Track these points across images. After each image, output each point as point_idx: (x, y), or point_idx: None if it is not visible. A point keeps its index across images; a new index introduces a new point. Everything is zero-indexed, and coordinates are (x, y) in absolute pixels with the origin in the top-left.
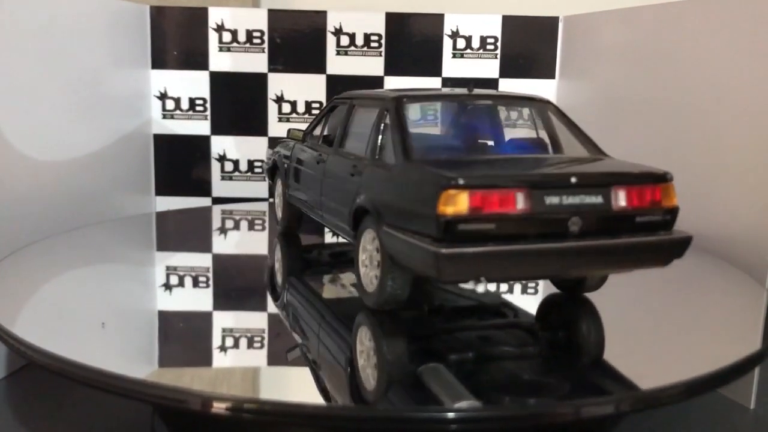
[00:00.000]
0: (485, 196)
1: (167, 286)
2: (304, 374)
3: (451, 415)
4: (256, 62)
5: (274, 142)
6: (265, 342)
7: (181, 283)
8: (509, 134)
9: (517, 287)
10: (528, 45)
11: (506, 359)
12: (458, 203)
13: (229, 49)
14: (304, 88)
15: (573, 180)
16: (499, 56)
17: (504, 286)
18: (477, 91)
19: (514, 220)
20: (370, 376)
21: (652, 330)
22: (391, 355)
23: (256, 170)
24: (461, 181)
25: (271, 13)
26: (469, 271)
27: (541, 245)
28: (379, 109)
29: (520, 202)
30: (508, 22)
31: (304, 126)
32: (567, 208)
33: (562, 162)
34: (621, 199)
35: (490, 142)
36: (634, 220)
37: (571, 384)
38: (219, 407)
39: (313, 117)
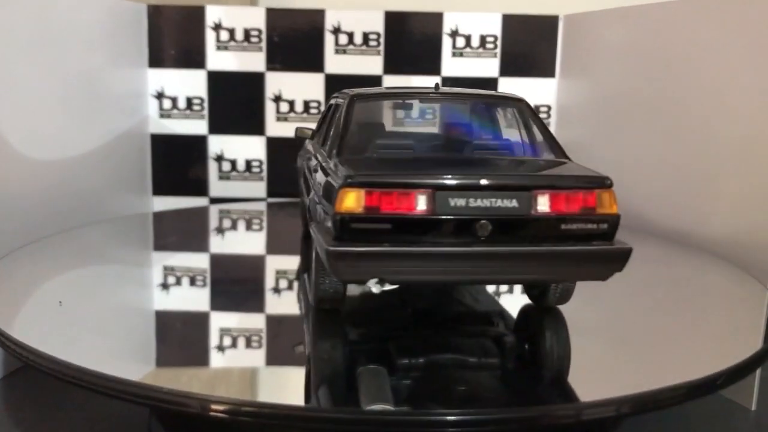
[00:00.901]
0: (383, 196)
1: (164, 287)
2: (302, 375)
3: (450, 418)
4: (253, 61)
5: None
6: (263, 342)
7: (178, 284)
8: (483, 133)
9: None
10: (528, 44)
11: (460, 368)
12: (354, 201)
13: (226, 48)
14: (302, 87)
15: (483, 182)
16: (498, 55)
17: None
18: (444, 89)
19: (414, 222)
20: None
21: (652, 331)
22: (323, 355)
23: (254, 170)
24: (358, 180)
25: (269, 11)
26: (363, 271)
27: (440, 248)
28: (340, 107)
29: (421, 203)
30: (508, 20)
31: (304, 124)
32: (474, 211)
33: (499, 164)
34: (543, 204)
35: (446, 141)
36: (560, 228)
37: (515, 397)
38: (217, 410)
39: (311, 116)
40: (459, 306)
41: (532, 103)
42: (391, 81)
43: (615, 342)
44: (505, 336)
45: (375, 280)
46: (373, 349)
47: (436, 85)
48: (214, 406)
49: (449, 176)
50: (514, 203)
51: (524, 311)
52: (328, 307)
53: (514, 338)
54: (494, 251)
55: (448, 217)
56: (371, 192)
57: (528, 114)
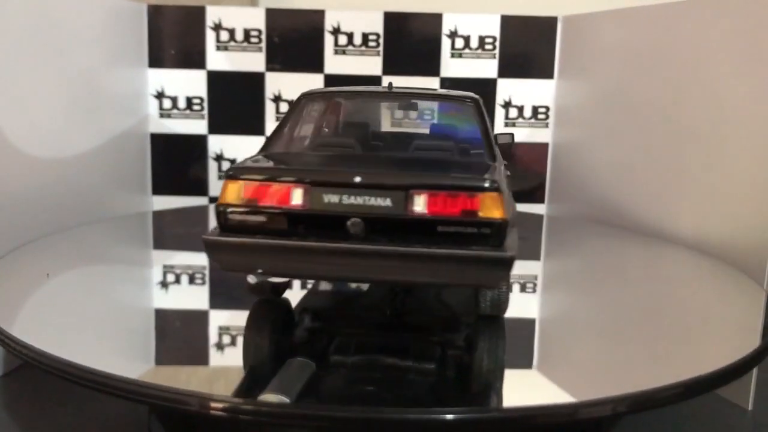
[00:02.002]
0: (260, 189)
1: (164, 285)
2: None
3: (449, 416)
4: (253, 61)
5: None
6: None
7: (177, 282)
8: (425, 132)
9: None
10: (527, 45)
11: (392, 370)
12: (234, 194)
13: (226, 48)
14: (301, 88)
15: (357, 180)
16: (497, 56)
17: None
18: (397, 89)
19: (288, 216)
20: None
21: (650, 330)
22: (252, 346)
23: None
24: (239, 173)
25: (269, 12)
26: (240, 262)
27: (310, 243)
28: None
29: (296, 198)
30: (507, 21)
31: None
32: (347, 208)
33: (401, 163)
34: (419, 204)
35: (387, 141)
36: (437, 230)
37: (429, 403)
38: (216, 409)
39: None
40: (442, 310)
41: (531, 104)
42: (390, 81)
43: (611, 341)
44: (451, 343)
45: (259, 271)
46: (315, 343)
47: (389, 84)
48: (213, 405)
49: (326, 172)
50: (387, 202)
51: (477, 319)
52: (263, 297)
53: (462, 346)
54: (361, 249)
55: (322, 213)
56: (250, 185)
57: (473, 114)
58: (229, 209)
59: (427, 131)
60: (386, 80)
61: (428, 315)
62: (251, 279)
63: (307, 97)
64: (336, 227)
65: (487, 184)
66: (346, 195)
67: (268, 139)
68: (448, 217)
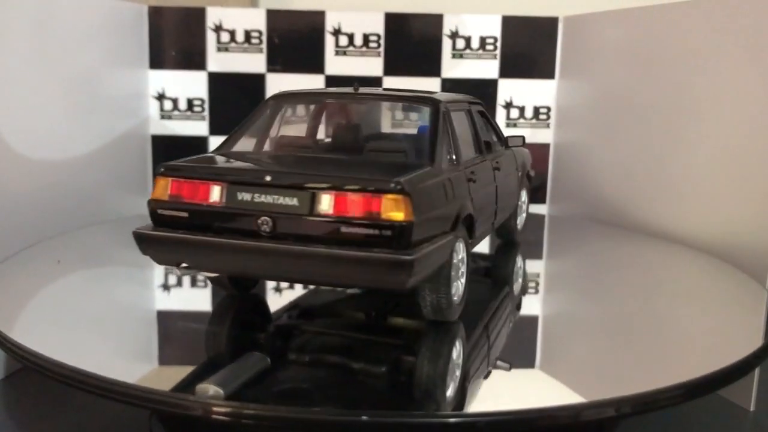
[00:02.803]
0: (184, 186)
1: (165, 287)
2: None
3: (451, 420)
4: (254, 62)
5: None
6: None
7: (179, 284)
8: (382, 133)
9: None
10: (528, 45)
11: (341, 371)
12: (161, 189)
13: (227, 50)
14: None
15: (267, 179)
16: (498, 56)
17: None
18: (364, 90)
19: (206, 212)
20: None
21: (651, 330)
22: (211, 339)
23: None
24: (166, 171)
25: (270, 13)
26: (165, 255)
27: (223, 239)
28: None
29: (214, 195)
30: (508, 22)
31: None
32: (257, 206)
33: (339, 165)
34: (325, 205)
35: (344, 142)
36: (341, 231)
37: (364, 405)
38: (219, 413)
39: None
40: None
41: (532, 104)
42: (391, 82)
43: (613, 342)
44: (403, 347)
45: (183, 264)
46: (280, 339)
47: (355, 86)
48: (216, 409)
49: (241, 171)
50: (294, 202)
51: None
52: (224, 290)
53: (416, 351)
54: (266, 247)
55: (236, 210)
56: (176, 182)
57: (429, 114)
58: (158, 205)
59: (391, 132)
60: (387, 81)
61: (414, 318)
62: (179, 271)
63: (274, 98)
64: (249, 225)
65: (390, 186)
66: (258, 194)
67: (226, 139)
68: (352, 218)
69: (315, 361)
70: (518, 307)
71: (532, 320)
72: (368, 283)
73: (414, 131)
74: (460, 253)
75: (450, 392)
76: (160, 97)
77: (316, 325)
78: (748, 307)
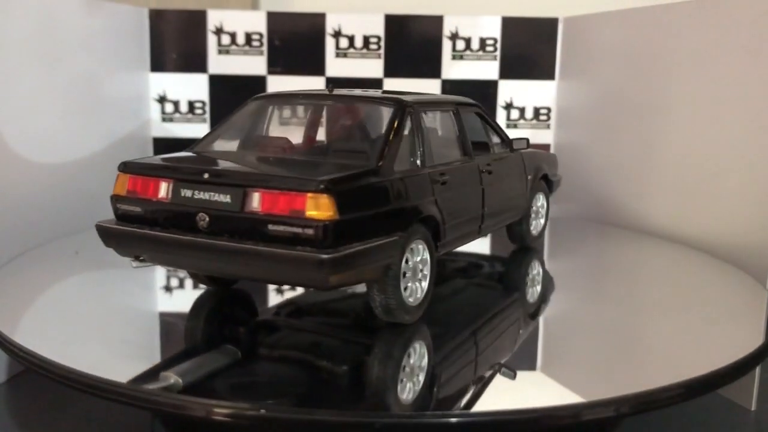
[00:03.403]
0: (138, 182)
1: (167, 289)
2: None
3: (453, 420)
4: (255, 65)
5: None
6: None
7: (181, 286)
8: (346, 134)
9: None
10: (528, 46)
11: (305, 368)
12: (121, 185)
13: (228, 52)
14: None
15: (205, 176)
16: (498, 57)
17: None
18: (338, 91)
19: (155, 207)
20: None
21: (651, 330)
22: (187, 332)
23: None
24: (125, 167)
25: (270, 15)
26: (123, 249)
27: (163, 234)
28: None
29: (162, 192)
30: (508, 23)
31: None
32: (196, 202)
33: (282, 164)
34: (254, 202)
35: (308, 142)
36: (268, 228)
37: (313, 402)
38: (221, 414)
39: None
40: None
41: (532, 105)
42: (391, 84)
43: (614, 341)
44: (365, 346)
45: (140, 257)
46: (254, 334)
47: (330, 87)
48: (218, 411)
49: (184, 169)
50: (227, 199)
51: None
52: (205, 284)
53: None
54: (200, 243)
55: (179, 206)
56: (132, 178)
57: (388, 115)
58: (117, 200)
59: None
60: (387, 83)
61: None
62: (134, 264)
63: (254, 99)
64: (190, 221)
65: (313, 185)
66: (197, 191)
67: (202, 137)
68: (278, 215)
69: (283, 357)
70: (533, 315)
71: (533, 320)
72: (292, 281)
73: (375, 132)
74: (419, 255)
75: (408, 395)
76: (162, 100)
77: (301, 323)
78: (749, 306)
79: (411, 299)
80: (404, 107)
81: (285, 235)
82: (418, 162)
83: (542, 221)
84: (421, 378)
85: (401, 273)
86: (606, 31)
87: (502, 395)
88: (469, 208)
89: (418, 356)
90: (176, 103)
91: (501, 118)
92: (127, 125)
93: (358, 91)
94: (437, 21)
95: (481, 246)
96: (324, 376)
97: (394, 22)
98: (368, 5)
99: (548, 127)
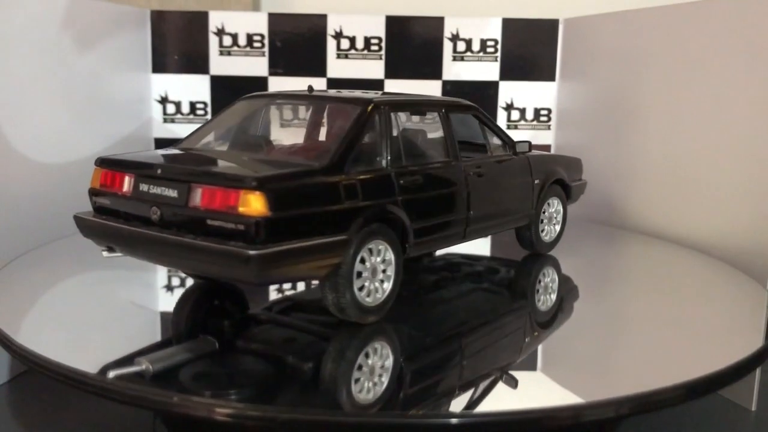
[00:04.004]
0: (108, 176)
1: (169, 289)
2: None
3: (453, 420)
4: (256, 66)
5: None
6: None
7: (182, 285)
8: (317, 134)
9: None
10: (528, 47)
11: (271, 362)
12: (95, 179)
13: (229, 53)
14: None
15: (158, 171)
16: (499, 59)
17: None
18: (316, 92)
19: (120, 201)
20: None
21: (652, 331)
22: (174, 320)
23: None
24: (99, 162)
25: (272, 16)
26: (97, 240)
27: (124, 226)
28: None
29: (125, 186)
30: (509, 24)
31: None
32: (151, 197)
33: (236, 161)
34: (196, 197)
35: (260, 139)
36: (206, 222)
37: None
38: (222, 414)
39: None
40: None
41: (533, 106)
42: (392, 85)
43: (614, 342)
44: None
45: (111, 247)
46: (237, 328)
47: (309, 87)
48: (219, 410)
49: (144, 165)
50: (175, 194)
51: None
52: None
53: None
54: (149, 235)
55: (138, 200)
56: (104, 172)
57: (350, 116)
58: (92, 192)
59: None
60: (388, 84)
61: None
62: (105, 254)
63: (242, 99)
64: (146, 213)
65: (248, 182)
66: (152, 185)
67: (188, 135)
68: (216, 211)
69: (256, 351)
70: (544, 325)
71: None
72: (224, 275)
73: (338, 132)
74: (380, 255)
75: (366, 394)
76: (163, 101)
77: (288, 319)
78: (749, 307)
79: (369, 299)
80: (369, 108)
81: (222, 231)
82: (384, 162)
83: (557, 228)
84: (384, 378)
85: (354, 272)
86: (606, 32)
87: (502, 396)
88: (450, 211)
89: (381, 356)
90: (178, 104)
91: (501, 119)
92: (129, 126)
93: (332, 92)
94: (438, 22)
95: (493, 250)
96: (288, 371)
97: (395, 24)
98: (369, 6)
99: (549, 128)
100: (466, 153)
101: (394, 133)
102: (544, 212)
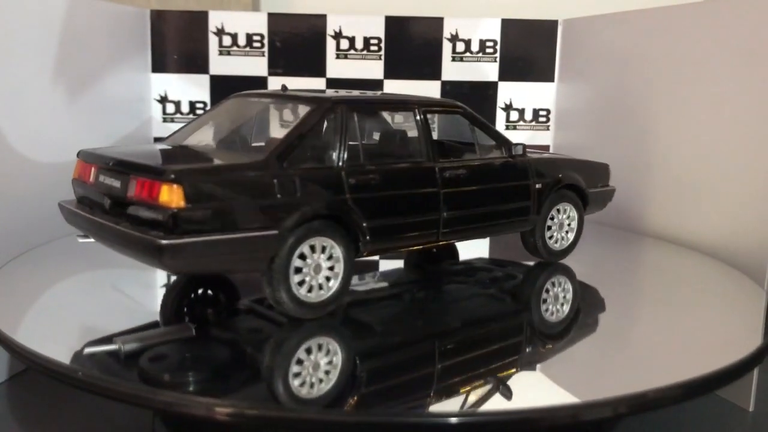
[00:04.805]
0: (82, 167)
1: (169, 288)
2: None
3: (452, 420)
4: (256, 66)
5: None
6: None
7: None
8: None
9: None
10: (527, 48)
11: (240, 354)
12: (75, 170)
13: (229, 53)
14: None
15: (110, 164)
16: (498, 59)
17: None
18: (290, 91)
19: (87, 190)
20: None
21: (649, 330)
22: (161, 305)
23: None
24: (79, 155)
25: (271, 16)
26: (74, 226)
27: (83, 213)
28: None
29: (91, 177)
30: (508, 25)
31: None
32: (104, 187)
33: (180, 156)
34: (133, 188)
35: (227, 136)
36: (138, 212)
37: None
38: (222, 413)
39: None
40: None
41: (532, 106)
42: (391, 85)
43: (612, 342)
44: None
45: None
46: (219, 317)
47: (282, 86)
48: (218, 410)
49: (103, 157)
50: (118, 184)
51: None
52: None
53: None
54: (95, 221)
55: (97, 190)
56: (81, 164)
57: (303, 114)
58: (73, 183)
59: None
60: (387, 85)
61: (379, 316)
62: (80, 239)
63: (229, 97)
64: (102, 202)
65: (167, 175)
66: (107, 176)
67: (176, 130)
68: (144, 201)
69: (228, 340)
70: (545, 339)
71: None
72: (148, 263)
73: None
74: (326, 252)
75: (310, 389)
76: (163, 100)
77: (272, 313)
78: (747, 307)
79: (311, 295)
80: (322, 107)
81: (149, 220)
82: (335, 160)
83: (570, 236)
84: (332, 375)
85: (291, 267)
86: (605, 33)
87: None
88: (417, 212)
89: (329, 352)
90: (177, 104)
91: (500, 119)
92: (129, 125)
93: (299, 91)
94: (437, 23)
95: (522, 256)
96: (248, 363)
97: (394, 24)
98: (369, 7)
99: (547, 128)
100: (454, 154)
101: (352, 132)
102: (552, 218)
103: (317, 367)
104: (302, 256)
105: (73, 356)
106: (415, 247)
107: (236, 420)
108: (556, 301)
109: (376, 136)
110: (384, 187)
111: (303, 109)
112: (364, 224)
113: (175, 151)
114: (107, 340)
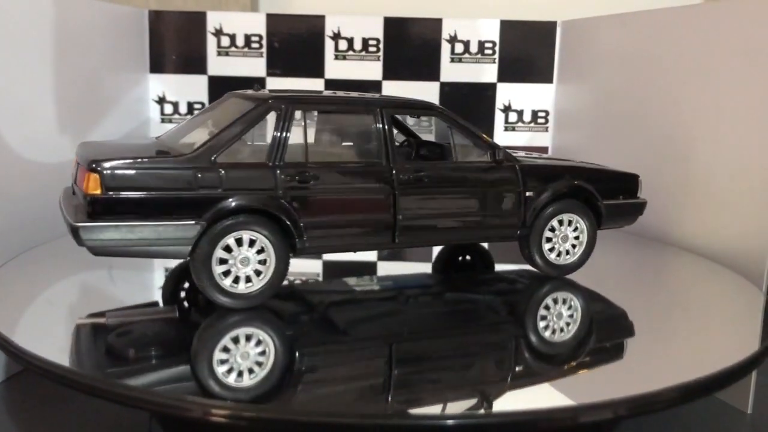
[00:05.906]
0: (75, 165)
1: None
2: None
3: (449, 422)
4: (254, 66)
5: None
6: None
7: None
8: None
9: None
10: (526, 49)
11: (208, 345)
12: (73, 163)
13: (227, 54)
14: None
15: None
16: (497, 61)
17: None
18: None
19: (73, 186)
20: None
21: (648, 333)
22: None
23: None
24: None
25: (270, 17)
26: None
27: (60, 200)
28: None
29: (73, 166)
30: (506, 26)
31: None
32: (76, 176)
33: (148, 149)
34: (81, 178)
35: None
36: (77, 198)
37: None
38: (218, 415)
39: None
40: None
41: (531, 108)
42: (390, 86)
43: (611, 343)
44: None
45: None
46: (208, 303)
47: (256, 87)
48: (214, 411)
49: (84, 151)
50: (78, 175)
51: None
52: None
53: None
54: (61, 207)
55: (74, 181)
56: (76, 164)
57: (241, 113)
58: (73, 176)
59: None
60: (386, 86)
61: (358, 314)
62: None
63: (226, 95)
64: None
65: (89, 165)
66: (77, 167)
67: (173, 127)
68: (80, 189)
69: (204, 327)
70: (542, 356)
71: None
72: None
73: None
74: (255, 246)
75: (238, 378)
76: (161, 101)
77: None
78: (745, 310)
79: (239, 286)
80: (260, 105)
81: (82, 205)
82: (271, 157)
83: (578, 250)
84: (259, 367)
85: (213, 258)
86: (604, 34)
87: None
88: (364, 213)
89: (260, 344)
90: (175, 104)
91: (499, 120)
92: (127, 126)
93: (261, 92)
94: (436, 24)
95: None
96: (196, 347)
97: (393, 25)
98: (367, 8)
99: (546, 130)
100: (430, 157)
101: (294, 131)
102: (552, 230)
103: (246, 357)
104: (228, 249)
105: (70, 357)
106: (367, 250)
107: (232, 421)
108: (555, 310)
109: (326, 135)
110: (323, 186)
111: (244, 107)
112: (300, 221)
113: (136, 146)
114: (100, 314)
